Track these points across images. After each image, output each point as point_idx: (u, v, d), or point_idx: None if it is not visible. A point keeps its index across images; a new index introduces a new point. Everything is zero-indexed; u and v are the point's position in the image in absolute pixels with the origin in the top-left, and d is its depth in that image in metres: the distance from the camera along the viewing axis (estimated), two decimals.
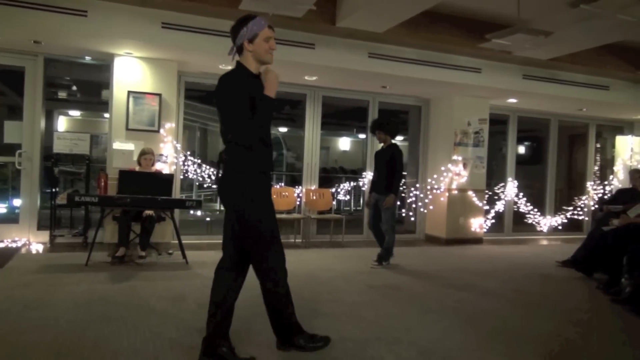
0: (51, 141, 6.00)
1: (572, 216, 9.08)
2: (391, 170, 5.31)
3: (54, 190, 5.97)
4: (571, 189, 9.88)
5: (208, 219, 7.76)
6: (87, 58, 6.22)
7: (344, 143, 15.13)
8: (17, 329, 3.02)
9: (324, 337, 2.93)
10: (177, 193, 6.35)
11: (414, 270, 5.38)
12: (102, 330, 3.05)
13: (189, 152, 6.63)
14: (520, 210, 8.66)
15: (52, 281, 4.21)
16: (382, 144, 5.59)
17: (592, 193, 9.20)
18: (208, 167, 6.71)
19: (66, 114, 9.78)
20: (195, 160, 6.61)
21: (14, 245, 5.76)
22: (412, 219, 8.14)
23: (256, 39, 2.60)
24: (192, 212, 6.89)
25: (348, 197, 8.93)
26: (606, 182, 9.21)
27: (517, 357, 2.93)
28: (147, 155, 5.47)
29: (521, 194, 8.62)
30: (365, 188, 7.68)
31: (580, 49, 6.29)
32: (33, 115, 6.07)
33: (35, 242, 5.99)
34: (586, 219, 9.20)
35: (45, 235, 6.02)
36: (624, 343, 3.30)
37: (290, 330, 2.83)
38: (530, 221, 8.76)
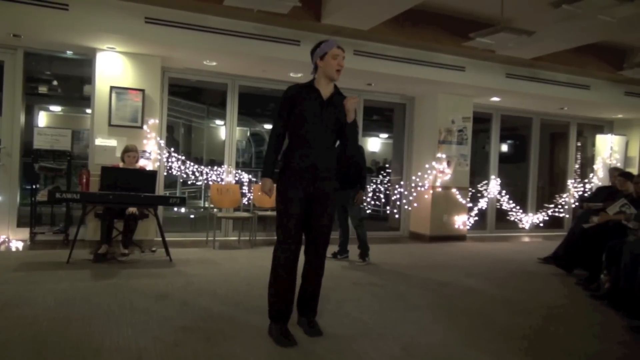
0: (31, 137, 5.88)
1: (553, 213, 9.22)
2: (356, 166, 5.39)
3: (34, 186, 5.87)
4: (552, 186, 10.02)
5: (192, 216, 7.71)
6: (69, 52, 6.12)
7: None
8: None
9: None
10: (160, 190, 6.29)
11: (398, 267, 5.41)
12: (84, 329, 3.01)
13: (172, 149, 6.57)
14: (503, 207, 8.76)
15: (33, 279, 4.14)
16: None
17: (573, 191, 9.35)
18: (192, 163, 6.66)
19: (47, 109, 9.60)
20: (179, 156, 6.55)
21: None
22: (397, 216, 8.18)
23: (325, 57, 3.09)
24: (175, 209, 6.83)
25: None
26: (586, 180, 9.37)
27: (500, 352, 2.97)
28: (130, 152, 5.40)
29: (504, 191, 8.72)
30: None
31: (562, 49, 6.38)
32: (12, 111, 5.95)
33: (14, 240, 5.87)
34: (567, 216, 9.35)
35: (25, 233, 5.92)
36: (599, 337, 3.36)
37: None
38: (512, 218, 8.87)
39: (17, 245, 5.64)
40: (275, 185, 3.06)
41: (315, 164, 2.99)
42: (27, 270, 4.49)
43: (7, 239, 5.87)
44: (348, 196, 5.44)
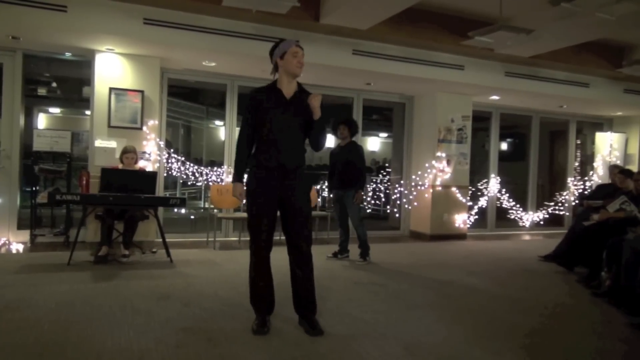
0: (31, 139, 5.88)
1: (554, 211, 9.22)
2: (355, 166, 5.41)
3: (34, 188, 5.87)
4: (552, 184, 10.03)
5: (192, 217, 7.71)
6: (68, 54, 6.12)
7: (328, 140, 15.03)
8: None
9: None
10: (160, 191, 6.29)
11: (399, 267, 5.41)
12: (85, 331, 3.01)
13: (172, 150, 6.57)
14: (503, 206, 8.77)
15: (33, 281, 4.14)
16: (339, 142, 5.70)
17: (573, 189, 9.36)
18: (192, 164, 6.66)
19: (46, 111, 9.60)
20: (179, 157, 6.55)
21: None
22: (397, 215, 8.18)
23: (285, 55, 3.07)
24: (176, 210, 6.83)
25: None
26: (586, 178, 9.38)
27: (502, 350, 2.97)
28: (129, 153, 5.40)
29: (504, 190, 8.72)
30: None
31: (561, 47, 6.38)
32: (12, 113, 5.95)
33: (15, 242, 5.87)
34: (567, 214, 9.35)
35: (25, 235, 5.92)
36: (600, 334, 3.36)
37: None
38: (512, 217, 8.88)
39: (17, 247, 5.64)
40: (245, 188, 3.10)
41: (283, 164, 3.02)
42: (28, 272, 4.48)
43: (7, 242, 5.87)
44: (347, 196, 5.44)
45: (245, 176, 3.14)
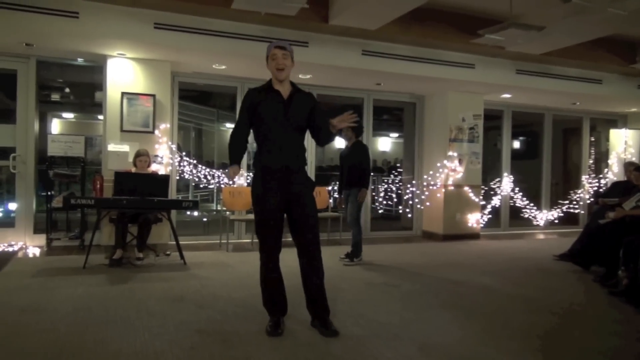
0: (45, 144, 5.97)
1: (568, 210, 9.12)
2: (360, 165, 5.44)
3: (49, 193, 5.95)
4: (566, 182, 9.92)
5: (205, 219, 7.75)
6: (80, 60, 6.19)
7: (339, 141, 15.06)
8: (15, 333, 3.01)
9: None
10: (173, 194, 6.34)
11: (411, 267, 5.39)
12: (101, 333, 3.04)
13: (184, 153, 6.62)
14: (517, 205, 8.69)
15: (50, 285, 4.19)
16: (346, 143, 5.72)
17: (588, 186, 9.25)
18: (203, 167, 6.70)
19: (60, 117, 9.71)
20: (191, 160, 6.59)
21: (10, 249, 5.73)
22: (409, 215, 8.15)
23: (268, 59, 3.07)
24: (188, 212, 6.87)
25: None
26: (601, 175, 9.26)
27: (517, 351, 2.94)
28: (142, 157, 5.45)
29: (517, 188, 8.65)
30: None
31: (573, 43, 6.31)
32: (26, 119, 6.04)
33: (31, 246, 5.96)
34: (582, 212, 9.24)
35: (41, 239, 6.00)
36: (617, 334, 3.32)
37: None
38: (526, 216, 8.80)
39: (34, 251, 5.72)
40: (239, 170, 3.10)
41: (287, 165, 3.01)
42: (45, 276, 4.54)
43: (24, 246, 5.95)
44: (352, 194, 5.48)
45: (250, 179, 3.17)
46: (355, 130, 5.54)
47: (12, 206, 6.20)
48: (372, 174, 6.26)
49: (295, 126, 3.07)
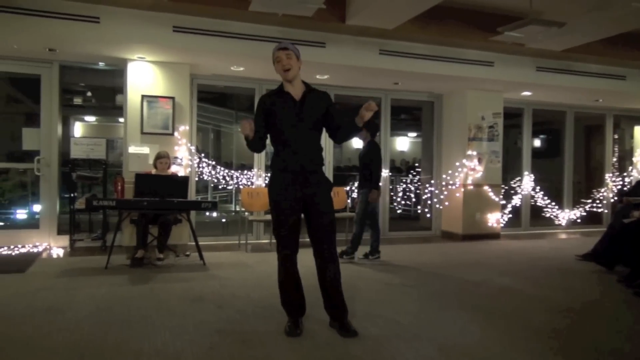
0: (68, 147, 6.09)
1: (591, 209, 8.95)
2: (369, 166, 5.47)
3: (72, 195, 6.06)
4: (589, 181, 9.74)
5: (224, 220, 7.81)
6: (101, 64, 6.30)
7: (357, 141, 15.06)
8: (40, 332, 3.08)
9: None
10: (192, 195, 6.40)
11: (430, 267, 5.35)
12: (123, 332, 3.09)
13: (203, 154, 6.68)
14: (538, 204, 8.56)
15: (73, 285, 4.27)
16: (362, 142, 5.71)
17: (611, 185, 9.06)
18: (222, 168, 6.75)
19: (82, 120, 9.90)
20: (210, 162, 6.66)
21: (35, 250, 5.86)
22: (428, 215, 8.10)
23: (274, 63, 3.08)
24: (207, 213, 6.94)
25: None
26: (625, 174, 9.06)
27: (538, 352, 2.90)
28: (163, 159, 5.52)
29: (538, 187, 8.52)
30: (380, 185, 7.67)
31: (595, 39, 6.19)
32: (50, 122, 6.17)
33: (55, 247, 6.09)
34: (606, 211, 9.06)
35: (65, 240, 6.12)
36: None
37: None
38: (548, 215, 8.66)
39: (58, 252, 5.84)
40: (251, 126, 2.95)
41: (303, 165, 3.01)
42: (68, 276, 4.63)
43: (48, 247, 6.08)
44: (362, 193, 5.51)
45: (267, 180, 3.16)
46: (370, 129, 5.53)
47: (37, 208, 6.34)
48: (389, 174, 6.23)
49: (310, 126, 3.06)
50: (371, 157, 5.49)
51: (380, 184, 5.54)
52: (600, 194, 9.02)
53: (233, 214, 8.47)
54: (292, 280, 3.14)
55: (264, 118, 3.09)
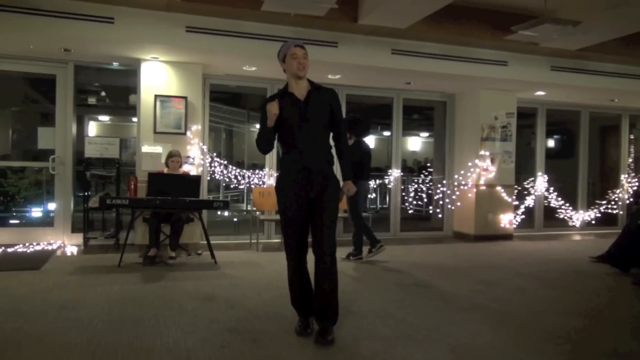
0: (82, 146, 6.16)
1: (606, 210, 8.83)
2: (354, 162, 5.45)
3: (86, 193, 6.13)
4: (604, 182, 9.61)
5: (235, 219, 7.84)
6: (115, 64, 6.36)
7: (369, 141, 15.01)
8: (54, 329, 3.12)
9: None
10: (204, 194, 6.44)
11: (442, 268, 5.32)
12: (135, 330, 3.11)
13: (215, 154, 6.72)
14: (551, 205, 8.47)
15: (87, 282, 4.32)
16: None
17: (627, 186, 8.93)
18: (234, 168, 6.78)
19: (96, 119, 10.01)
20: (222, 161, 6.69)
21: (49, 247, 5.94)
22: (440, 215, 8.05)
23: (285, 58, 3.06)
24: (219, 212, 6.97)
25: (374, 195, 8.90)
26: None
27: (551, 354, 2.87)
28: (174, 157, 5.56)
29: (552, 188, 8.43)
30: (392, 185, 7.65)
31: (611, 38, 6.11)
32: (65, 122, 6.25)
33: (69, 245, 6.16)
34: (621, 212, 8.94)
35: (79, 238, 6.19)
36: None
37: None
38: (561, 216, 8.56)
39: (72, 250, 5.91)
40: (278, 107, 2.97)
41: (308, 166, 2.98)
42: (82, 273, 4.69)
43: (63, 244, 6.16)
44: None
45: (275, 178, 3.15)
46: (355, 131, 5.52)
47: (52, 206, 6.43)
48: (401, 174, 6.15)
49: (315, 126, 3.02)
50: (355, 155, 5.48)
51: (372, 184, 5.48)
52: (616, 195, 8.90)
53: (244, 213, 8.50)
54: (299, 280, 3.13)
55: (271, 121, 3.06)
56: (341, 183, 3.16)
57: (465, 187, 7.65)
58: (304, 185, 3.00)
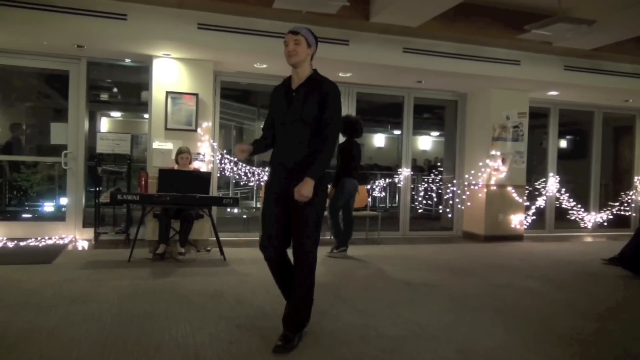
0: (94, 142, 6.21)
1: (619, 212, 8.73)
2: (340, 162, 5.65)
3: (97, 189, 6.18)
4: (617, 183, 9.49)
5: (245, 216, 7.87)
6: (127, 60, 6.41)
7: (379, 139, 15.02)
8: (65, 322, 3.15)
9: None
10: (214, 191, 6.46)
11: (452, 268, 5.29)
12: (144, 325, 3.14)
13: (225, 151, 6.74)
14: (563, 206, 8.39)
15: (97, 277, 4.36)
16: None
17: None
18: (244, 165, 6.80)
19: (108, 115, 10.10)
20: (232, 158, 6.71)
21: (61, 242, 6.00)
22: (449, 215, 8.01)
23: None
24: (229, 209, 6.99)
25: (383, 193, 8.87)
26: None
27: (561, 357, 2.84)
28: (183, 154, 5.58)
29: (563, 189, 8.34)
30: (401, 184, 7.63)
31: (626, 38, 6.02)
32: (77, 117, 6.30)
33: (80, 239, 6.22)
34: (634, 214, 8.83)
35: (90, 233, 6.25)
36: None
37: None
38: (573, 217, 8.48)
39: (83, 244, 5.97)
40: (248, 148, 2.95)
41: (282, 162, 2.84)
42: (93, 268, 4.73)
43: (74, 239, 6.22)
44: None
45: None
46: (345, 132, 5.65)
47: (63, 201, 6.49)
48: (411, 173, 6.14)
49: (296, 120, 2.77)
50: (345, 154, 5.64)
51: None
52: (629, 197, 8.79)
53: (254, 210, 8.52)
54: (278, 276, 3.00)
55: (270, 111, 3.00)
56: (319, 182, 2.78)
57: (476, 187, 7.60)
58: (279, 182, 2.84)
